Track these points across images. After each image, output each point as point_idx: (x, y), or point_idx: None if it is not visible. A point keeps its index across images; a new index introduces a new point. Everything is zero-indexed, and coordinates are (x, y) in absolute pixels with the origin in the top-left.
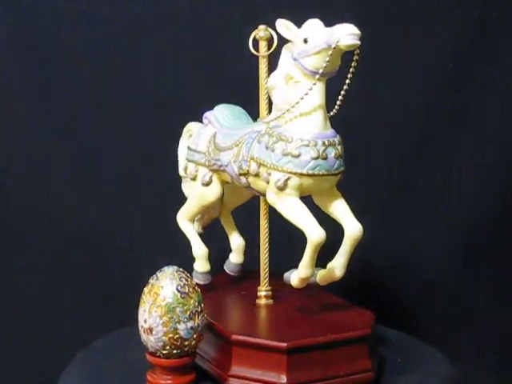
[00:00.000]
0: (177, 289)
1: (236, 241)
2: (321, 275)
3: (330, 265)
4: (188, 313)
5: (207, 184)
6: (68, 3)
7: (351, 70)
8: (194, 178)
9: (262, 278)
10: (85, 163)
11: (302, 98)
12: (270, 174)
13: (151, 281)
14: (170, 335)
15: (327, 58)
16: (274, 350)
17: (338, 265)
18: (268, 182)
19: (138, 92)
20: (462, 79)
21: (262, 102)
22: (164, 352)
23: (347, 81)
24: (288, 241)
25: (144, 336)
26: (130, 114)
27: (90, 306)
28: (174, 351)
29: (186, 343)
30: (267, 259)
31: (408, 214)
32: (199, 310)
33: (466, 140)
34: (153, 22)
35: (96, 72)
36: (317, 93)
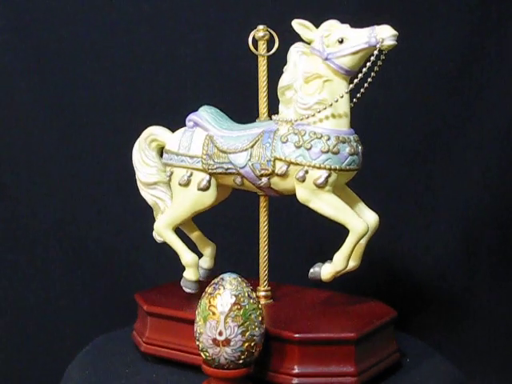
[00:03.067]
0: (248, 294)
1: (208, 246)
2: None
3: None
4: (260, 318)
5: (205, 189)
6: (67, 3)
7: (375, 68)
8: (186, 184)
9: (261, 279)
10: (88, 165)
11: (341, 97)
12: (307, 172)
13: (216, 291)
14: (247, 344)
15: (372, 58)
16: (342, 341)
17: (356, 255)
18: (303, 181)
19: (138, 93)
20: (462, 79)
21: (261, 101)
22: (238, 362)
23: (369, 79)
24: (287, 241)
25: (215, 350)
26: (130, 115)
27: (90, 306)
28: (248, 359)
29: (258, 349)
30: (266, 259)
31: (408, 213)
32: (264, 313)
33: (467, 139)
34: (152, 22)
35: (96, 72)
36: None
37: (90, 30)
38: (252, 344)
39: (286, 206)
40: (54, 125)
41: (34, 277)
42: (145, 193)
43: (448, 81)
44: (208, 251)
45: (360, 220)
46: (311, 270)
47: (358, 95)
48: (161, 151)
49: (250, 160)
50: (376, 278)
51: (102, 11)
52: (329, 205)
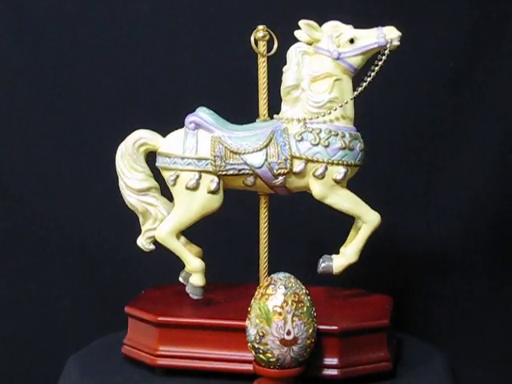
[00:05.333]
0: (305, 291)
1: (194, 250)
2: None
3: (342, 249)
4: (315, 313)
5: (215, 191)
6: (67, 3)
7: (376, 68)
8: (195, 188)
9: (261, 278)
10: (86, 164)
11: (356, 95)
12: (326, 169)
13: (278, 292)
14: (309, 341)
15: (384, 57)
16: (377, 329)
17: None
18: (323, 178)
19: (138, 93)
20: (462, 79)
21: (261, 101)
22: (300, 360)
23: (369, 78)
24: (287, 241)
25: (282, 350)
26: (130, 115)
27: (89, 307)
28: (307, 356)
29: (314, 345)
30: (266, 259)
31: (407, 212)
32: None
33: (466, 140)
34: (151, 22)
35: (97, 71)
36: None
37: (89, 31)
38: (313, 340)
39: (286, 205)
40: (55, 125)
41: (34, 277)
42: (134, 200)
43: (448, 80)
44: (195, 254)
45: (375, 212)
46: (322, 265)
47: (356, 93)
48: (147, 156)
49: (266, 160)
50: (374, 276)
51: (102, 11)
52: (345, 199)
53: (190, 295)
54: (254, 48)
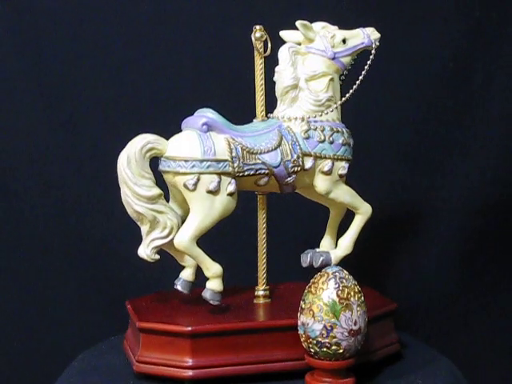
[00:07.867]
0: (356, 282)
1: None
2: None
3: (323, 242)
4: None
5: (234, 193)
6: (68, 4)
7: (366, 67)
8: (217, 191)
9: (260, 278)
10: (86, 164)
11: (351, 93)
12: (333, 165)
13: (341, 285)
14: (367, 329)
15: (372, 56)
16: (389, 314)
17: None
18: (330, 173)
19: (137, 92)
20: (462, 79)
21: (258, 101)
22: (358, 349)
23: (360, 77)
24: (286, 241)
25: (350, 341)
26: (129, 115)
27: (90, 308)
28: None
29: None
30: (265, 259)
31: (407, 215)
32: None
33: (466, 140)
34: (151, 22)
35: (96, 70)
36: None
37: (88, 31)
38: (367, 328)
39: (284, 205)
40: (55, 125)
41: (34, 278)
42: (143, 209)
43: (448, 81)
44: (191, 261)
45: (368, 204)
46: (321, 258)
47: (352, 91)
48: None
49: (282, 159)
50: (373, 278)
51: (102, 12)
52: (346, 193)
53: (210, 302)
54: (256, 47)
